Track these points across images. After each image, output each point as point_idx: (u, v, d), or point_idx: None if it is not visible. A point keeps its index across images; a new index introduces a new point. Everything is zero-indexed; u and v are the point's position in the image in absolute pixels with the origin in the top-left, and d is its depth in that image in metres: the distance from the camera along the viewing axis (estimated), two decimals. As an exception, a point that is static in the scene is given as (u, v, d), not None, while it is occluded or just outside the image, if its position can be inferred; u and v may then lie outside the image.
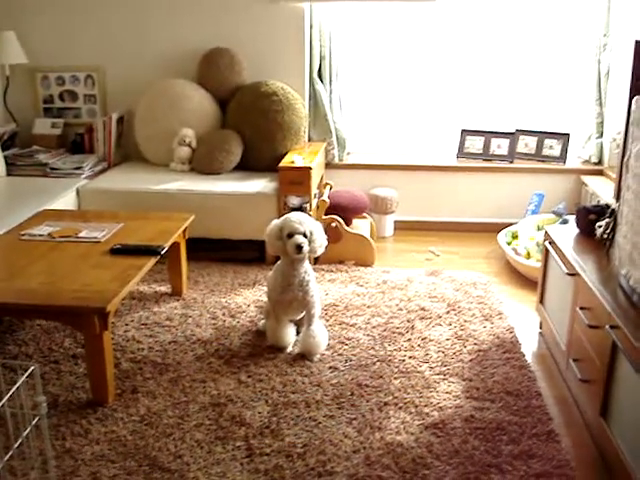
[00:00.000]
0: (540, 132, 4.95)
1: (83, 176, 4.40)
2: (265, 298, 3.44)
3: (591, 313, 2.58)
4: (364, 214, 4.66)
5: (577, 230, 3.20)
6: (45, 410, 2.03)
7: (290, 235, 3.00)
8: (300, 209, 4.01)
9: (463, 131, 5.03)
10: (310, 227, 3.04)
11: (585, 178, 4.73)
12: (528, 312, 3.64)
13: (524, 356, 3.14)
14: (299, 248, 2.98)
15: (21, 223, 3.47)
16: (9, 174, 4.47)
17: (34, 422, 2.02)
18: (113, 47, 4.83)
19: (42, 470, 2.10)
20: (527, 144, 4.98)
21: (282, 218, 3.09)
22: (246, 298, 3.72)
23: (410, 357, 3.11)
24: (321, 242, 3.10)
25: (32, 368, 1.96)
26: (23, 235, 3.28)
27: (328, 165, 4.94)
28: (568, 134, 4.87)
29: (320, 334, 3.13)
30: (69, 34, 4.83)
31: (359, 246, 4.26)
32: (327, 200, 4.25)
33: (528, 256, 4.10)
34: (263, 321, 3.36)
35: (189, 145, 4.48)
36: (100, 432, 2.56)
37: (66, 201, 4.05)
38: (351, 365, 3.04)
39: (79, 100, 4.96)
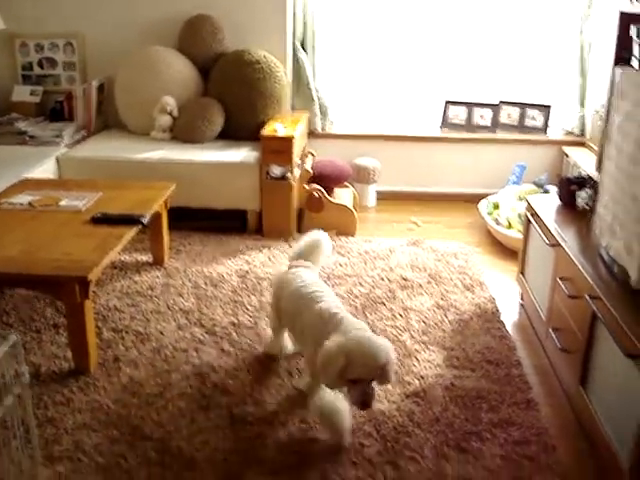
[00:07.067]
0: (522, 103, 4.95)
1: (63, 144, 4.33)
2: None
3: (571, 283, 2.60)
4: (346, 183, 4.66)
5: (559, 201, 3.22)
6: (27, 380, 2.02)
7: (356, 380, 2.14)
8: (282, 178, 4.00)
9: (447, 102, 5.02)
10: (387, 356, 2.17)
11: (567, 149, 4.74)
12: (509, 282, 3.66)
13: (504, 326, 3.17)
14: (365, 405, 2.17)
15: (0, 192, 3.42)
16: (-14, 142, 4.40)
17: (17, 392, 2.01)
18: (93, 13, 4.73)
19: (24, 439, 2.10)
20: (510, 115, 4.98)
21: (352, 335, 2.17)
22: (228, 268, 3.71)
23: (391, 326, 3.13)
24: (390, 377, 2.22)
25: (13, 338, 1.95)
26: (2, 204, 3.24)
27: (311, 134, 4.91)
28: (549, 106, 4.87)
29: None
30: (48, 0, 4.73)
31: (341, 216, 4.26)
32: (310, 170, 4.24)
33: (509, 226, 4.12)
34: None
35: (170, 113, 4.43)
36: (82, 401, 2.56)
37: (45, 169, 3.99)
38: (333, 334, 3.05)
39: (58, 67, 4.87)
